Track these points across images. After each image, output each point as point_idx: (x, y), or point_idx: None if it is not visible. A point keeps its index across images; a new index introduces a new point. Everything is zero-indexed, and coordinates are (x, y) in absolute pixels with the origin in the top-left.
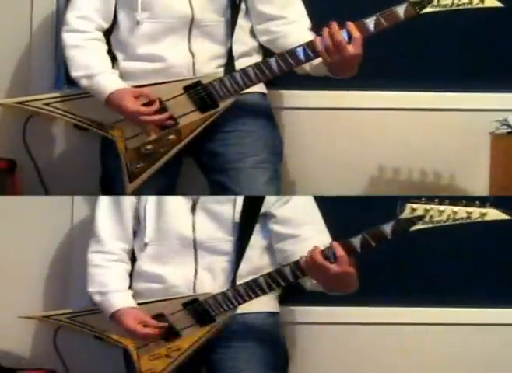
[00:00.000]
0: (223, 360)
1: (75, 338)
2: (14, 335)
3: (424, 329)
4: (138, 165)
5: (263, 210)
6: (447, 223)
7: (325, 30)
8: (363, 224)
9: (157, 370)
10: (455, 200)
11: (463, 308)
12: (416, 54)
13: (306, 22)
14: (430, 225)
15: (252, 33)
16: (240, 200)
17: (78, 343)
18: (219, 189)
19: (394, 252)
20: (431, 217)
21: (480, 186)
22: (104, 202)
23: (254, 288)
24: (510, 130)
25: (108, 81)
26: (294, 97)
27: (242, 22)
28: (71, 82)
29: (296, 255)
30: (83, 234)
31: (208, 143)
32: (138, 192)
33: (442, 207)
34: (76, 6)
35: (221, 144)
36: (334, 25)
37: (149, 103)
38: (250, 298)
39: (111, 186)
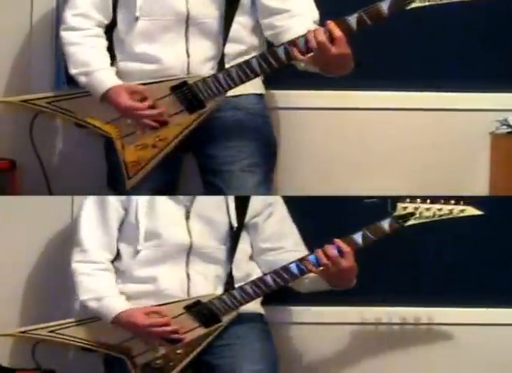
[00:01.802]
0: (221, 358)
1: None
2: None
3: (425, 329)
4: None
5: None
6: (434, 219)
7: (310, 32)
8: (362, 223)
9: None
10: (434, 198)
11: (464, 308)
12: (416, 54)
13: (312, 15)
14: (422, 221)
15: (253, 30)
16: (232, 206)
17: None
18: (212, 190)
19: (393, 253)
20: (420, 213)
21: (480, 186)
22: (87, 209)
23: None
24: (510, 130)
25: (105, 77)
26: (294, 97)
27: (242, 20)
28: (71, 81)
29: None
30: None
31: (204, 144)
32: (137, 189)
33: (427, 206)
34: (73, 4)
35: (215, 146)
36: (319, 29)
37: (143, 100)
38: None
39: (116, 182)
